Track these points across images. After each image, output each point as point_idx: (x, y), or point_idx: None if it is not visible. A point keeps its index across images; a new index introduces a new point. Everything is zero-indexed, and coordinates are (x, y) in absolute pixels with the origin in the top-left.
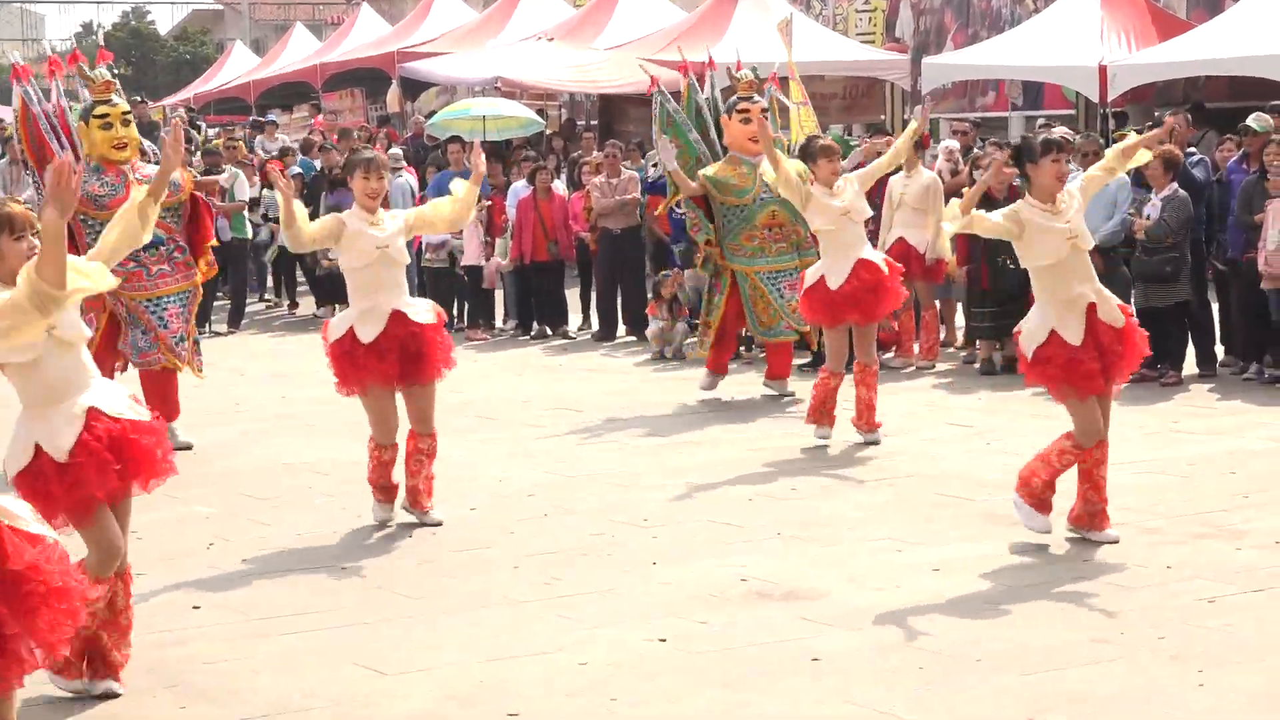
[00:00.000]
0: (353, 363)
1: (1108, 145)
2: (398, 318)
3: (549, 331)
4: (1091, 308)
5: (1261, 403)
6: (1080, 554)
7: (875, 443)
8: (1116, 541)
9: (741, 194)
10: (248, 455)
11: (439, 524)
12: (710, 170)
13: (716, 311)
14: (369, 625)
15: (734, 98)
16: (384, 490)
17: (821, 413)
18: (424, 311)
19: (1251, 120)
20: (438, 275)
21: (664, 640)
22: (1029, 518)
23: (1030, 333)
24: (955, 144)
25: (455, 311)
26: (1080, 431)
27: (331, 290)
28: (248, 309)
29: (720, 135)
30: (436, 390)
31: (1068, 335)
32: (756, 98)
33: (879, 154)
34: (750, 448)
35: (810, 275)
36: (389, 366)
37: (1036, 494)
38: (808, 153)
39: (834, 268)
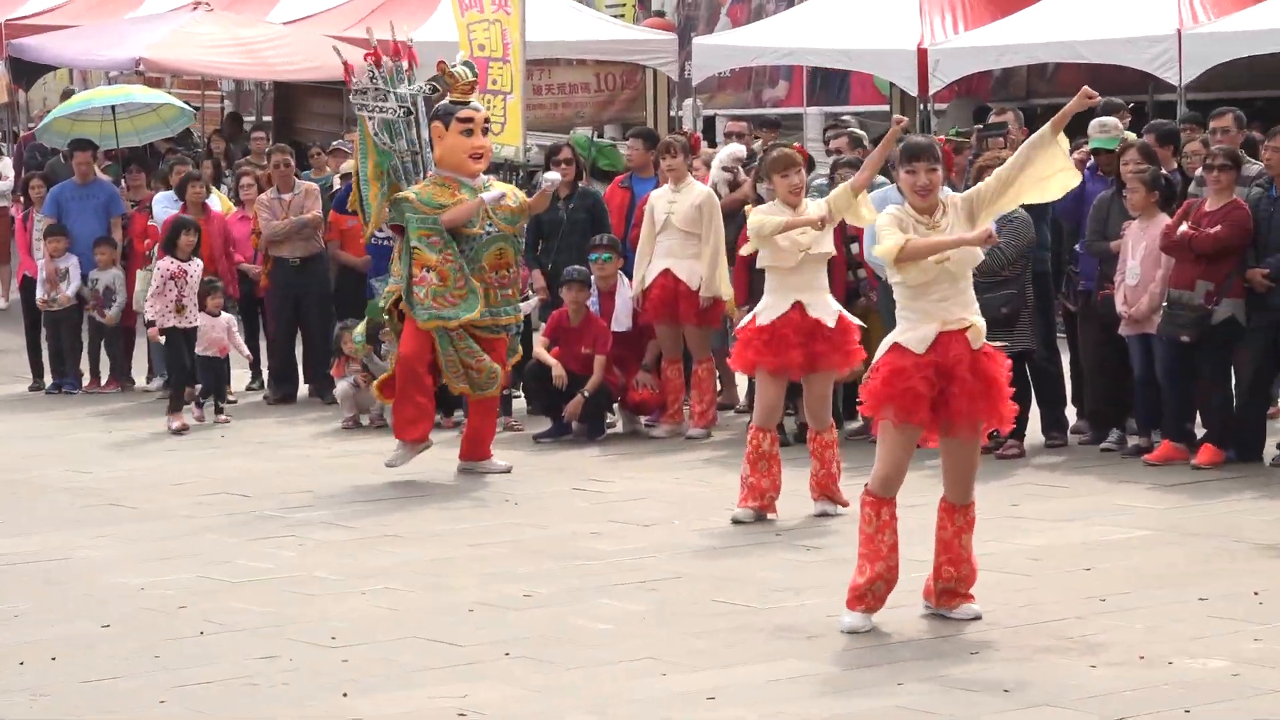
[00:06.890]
0: None
1: None
2: None
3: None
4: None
5: (1121, 479)
6: (895, 674)
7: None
8: (978, 618)
9: (467, 225)
10: None
11: None
12: (414, 192)
13: (390, 358)
14: None
15: (448, 101)
16: None
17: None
18: None
19: (1094, 130)
20: (57, 319)
21: None
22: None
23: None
24: (740, 148)
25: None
26: (875, 474)
27: None
28: None
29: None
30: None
31: (910, 345)
32: (476, 103)
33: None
34: (469, 543)
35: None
36: None
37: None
38: (760, 167)
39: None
